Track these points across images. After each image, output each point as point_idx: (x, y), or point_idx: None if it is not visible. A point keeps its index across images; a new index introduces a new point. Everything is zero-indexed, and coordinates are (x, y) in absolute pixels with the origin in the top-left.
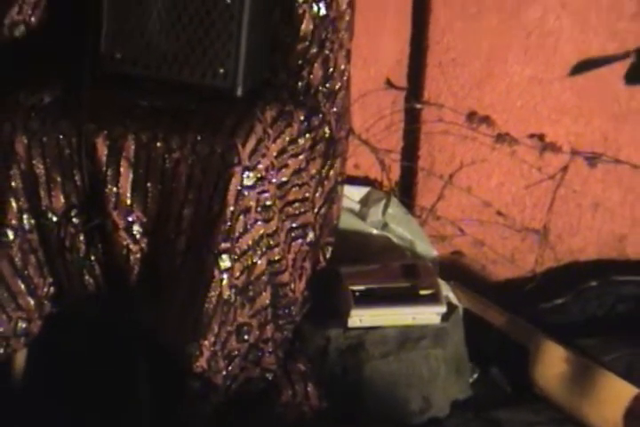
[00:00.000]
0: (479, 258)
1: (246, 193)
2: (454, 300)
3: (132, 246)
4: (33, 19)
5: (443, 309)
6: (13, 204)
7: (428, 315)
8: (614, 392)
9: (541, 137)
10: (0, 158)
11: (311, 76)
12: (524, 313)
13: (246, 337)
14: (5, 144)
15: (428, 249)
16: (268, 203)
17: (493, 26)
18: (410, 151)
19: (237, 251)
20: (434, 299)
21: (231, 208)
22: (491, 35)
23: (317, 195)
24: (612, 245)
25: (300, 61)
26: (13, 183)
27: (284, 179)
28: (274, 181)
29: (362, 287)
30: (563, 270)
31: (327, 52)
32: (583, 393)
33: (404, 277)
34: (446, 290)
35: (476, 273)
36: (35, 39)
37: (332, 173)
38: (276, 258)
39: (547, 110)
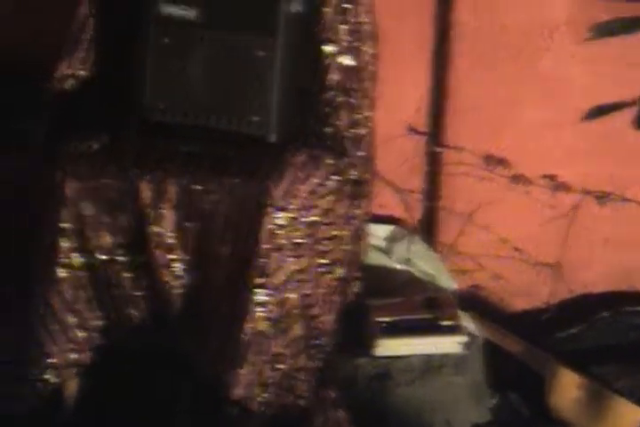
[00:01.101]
0: (497, 291)
1: (279, 232)
2: (474, 330)
3: (173, 282)
4: (82, 72)
5: (463, 338)
6: (64, 244)
7: (450, 344)
8: (626, 416)
9: (554, 178)
10: (52, 202)
11: (338, 123)
12: (540, 342)
13: (280, 366)
14: (57, 188)
15: (448, 283)
16: (300, 241)
17: (509, 74)
18: (431, 192)
19: (271, 286)
20: (455, 329)
21: (265, 246)
22: (506, 83)
23: (345, 233)
24: (622, 278)
25: (327, 109)
26: (64, 225)
27: (314, 218)
28: (304, 220)
29: (388, 319)
30: (576, 302)
31: (353, 100)
32: (597, 417)
33: (427, 309)
34: (466, 321)
35: (495, 305)
36: (83, 91)
37: (358, 212)
38: (308, 292)
39: (559, 153)
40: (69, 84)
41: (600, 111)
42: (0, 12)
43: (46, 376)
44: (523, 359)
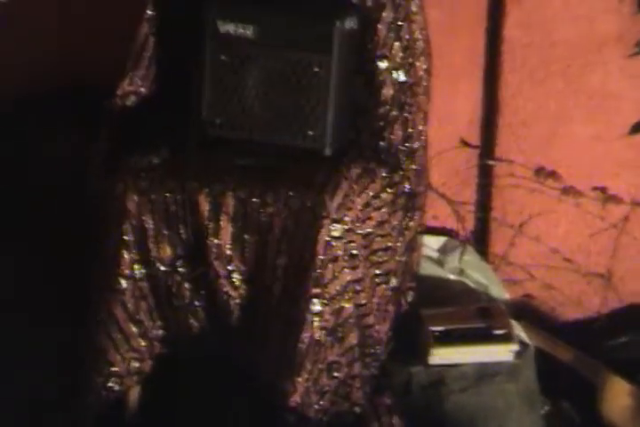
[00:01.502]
0: (548, 300)
1: (334, 243)
2: (526, 339)
3: (231, 293)
4: (142, 89)
5: (515, 347)
6: (126, 255)
7: (502, 353)
8: None
9: (604, 190)
10: (113, 215)
11: (392, 137)
12: (591, 350)
13: (336, 374)
14: (118, 202)
15: (500, 293)
16: (355, 252)
17: (559, 89)
18: (483, 203)
19: (327, 296)
20: (507, 338)
21: (321, 257)
22: (556, 97)
23: (399, 244)
24: None
25: (381, 123)
26: (126, 237)
27: (369, 230)
28: (359, 232)
29: (441, 328)
30: (626, 311)
31: (406, 114)
32: None
33: (480, 318)
34: (518, 330)
35: (546, 314)
36: (143, 108)
37: (412, 224)
38: (363, 302)
39: (608, 165)
40: (131, 100)
41: None
42: (57, 31)
43: (110, 384)
44: (574, 367)
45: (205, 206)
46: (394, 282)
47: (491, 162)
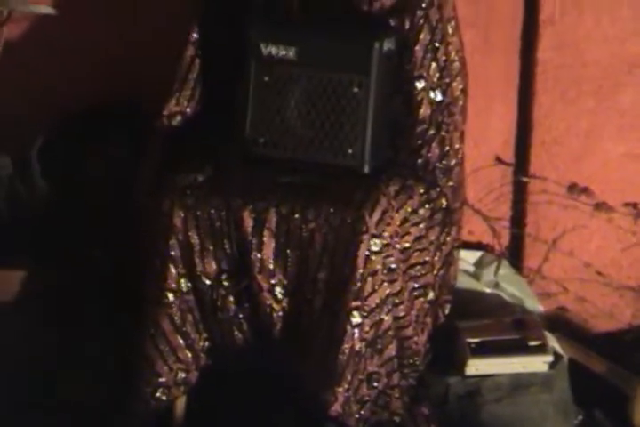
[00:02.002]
0: (581, 313)
1: (373, 258)
2: (560, 350)
3: (274, 306)
4: (188, 109)
5: (550, 358)
6: (172, 270)
7: (537, 363)
8: None
9: (635, 205)
10: (160, 231)
11: (429, 155)
12: (623, 361)
13: (376, 384)
14: (165, 218)
15: (535, 305)
16: (393, 266)
17: (590, 108)
18: (517, 219)
19: (366, 308)
20: (541, 349)
21: (360, 271)
22: (588, 116)
23: (436, 258)
24: None
25: (419, 142)
26: (172, 252)
27: (407, 245)
28: (397, 246)
29: (477, 340)
30: None
31: (443, 133)
32: None
33: (515, 330)
34: (552, 341)
35: (579, 326)
36: (189, 127)
37: (448, 239)
38: (401, 314)
39: (639, 181)
40: (177, 120)
41: None
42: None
43: (157, 394)
44: (607, 378)
45: (249, 222)
46: (431, 295)
47: (525, 179)
